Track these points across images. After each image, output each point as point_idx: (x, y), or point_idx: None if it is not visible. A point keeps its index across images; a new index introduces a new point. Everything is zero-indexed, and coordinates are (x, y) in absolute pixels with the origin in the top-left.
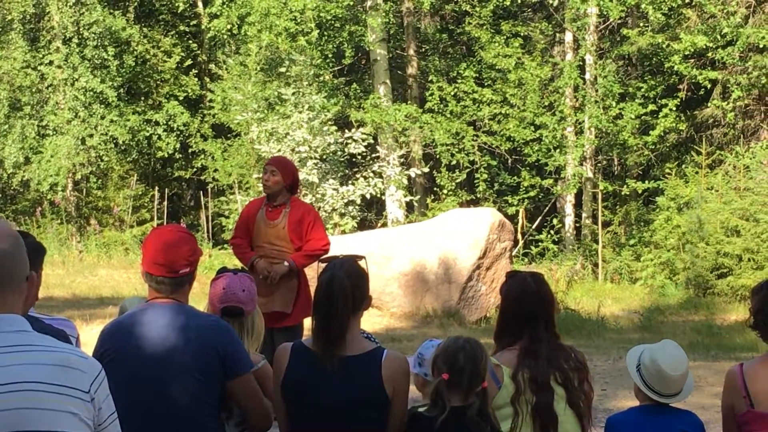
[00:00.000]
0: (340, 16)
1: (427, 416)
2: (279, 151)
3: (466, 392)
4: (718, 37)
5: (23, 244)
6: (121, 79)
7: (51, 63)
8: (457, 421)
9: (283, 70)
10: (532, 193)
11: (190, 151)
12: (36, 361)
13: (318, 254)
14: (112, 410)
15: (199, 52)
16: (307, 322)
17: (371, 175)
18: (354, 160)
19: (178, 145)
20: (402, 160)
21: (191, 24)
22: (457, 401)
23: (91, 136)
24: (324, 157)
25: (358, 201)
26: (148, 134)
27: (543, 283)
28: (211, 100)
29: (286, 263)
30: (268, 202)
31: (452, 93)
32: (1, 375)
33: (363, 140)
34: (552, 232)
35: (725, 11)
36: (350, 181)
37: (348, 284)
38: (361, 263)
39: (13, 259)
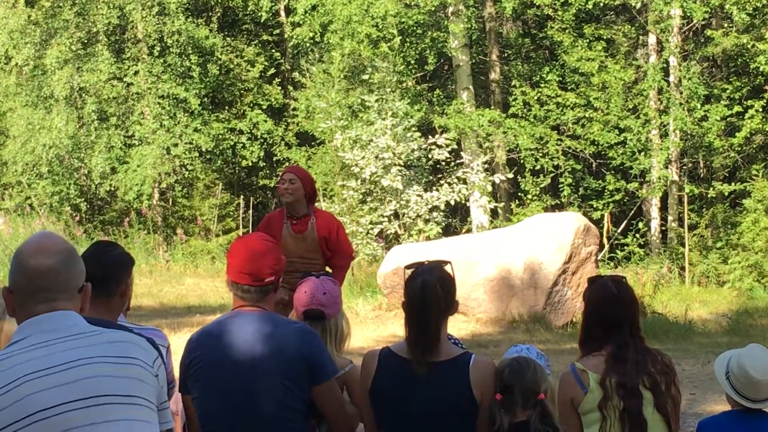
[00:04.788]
0: (422, 22)
1: None
2: (363, 158)
3: (523, 407)
4: None
5: (75, 258)
6: (204, 87)
7: (136, 73)
8: None
9: (365, 77)
10: (617, 197)
11: (274, 159)
12: (97, 342)
13: (349, 265)
14: (166, 398)
15: (282, 60)
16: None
17: (455, 181)
18: (438, 166)
19: (262, 154)
20: (486, 165)
21: (274, 33)
22: (517, 417)
23: (176, 145)
24: (408, 163)
25: (443, 207)
26: (232, 143)
27: (625, 286)
28: (294, 109)
29: None
30: (289, 215)
31: (535, 97)
32: (67, 355)
33: (447, 146)
34: (638, 235)
35: None
36: (434, 188)
37: (439, 288)
38: (447, 268)
39: (60, 273)
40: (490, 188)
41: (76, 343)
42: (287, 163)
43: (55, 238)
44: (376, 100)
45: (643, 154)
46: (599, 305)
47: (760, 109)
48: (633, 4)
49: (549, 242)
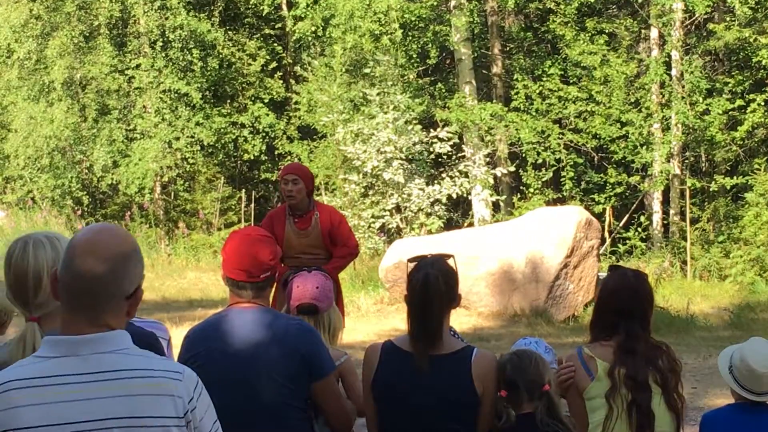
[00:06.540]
0: (424, 16)
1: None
2: (365, 152)
3: (529, 400)
4: None
5: (129, 260)
6: (205, 81)
7: (138, 66)
8: (526, 427)
9: (367, 71)
10: (618, 191)
11: (276, 153)
12: (131, 392)
13: (351, 257)
14: (214, 419)
15: (283, 54)
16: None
17: (457, 174)
18: (440, 159)
19: (264, 147)
20: (488, 159)
21: (276, 27)
22: (524, 410)
23: (177, 139)
24: (410, 157)
25: (444, 201)
26: (234, 137)
27: (643, 280)
28: (296, 102)
29: None
30: (292, 212)
31: (537, 91)
32: (98, 409)
33: (448, 139)
34: (639, 229)
35: None
36: (436, 181)
37: (442, 282)
38: (450, 262)
39: (109, 283)
40: (491, 182)
41: (119, 389)
42: (289, 157)
43: (112, 239)
44: (378, 94)
45: (645, 147)
46: (613, 293)
47: (762, 103)
48: None
49: (551, 236)
